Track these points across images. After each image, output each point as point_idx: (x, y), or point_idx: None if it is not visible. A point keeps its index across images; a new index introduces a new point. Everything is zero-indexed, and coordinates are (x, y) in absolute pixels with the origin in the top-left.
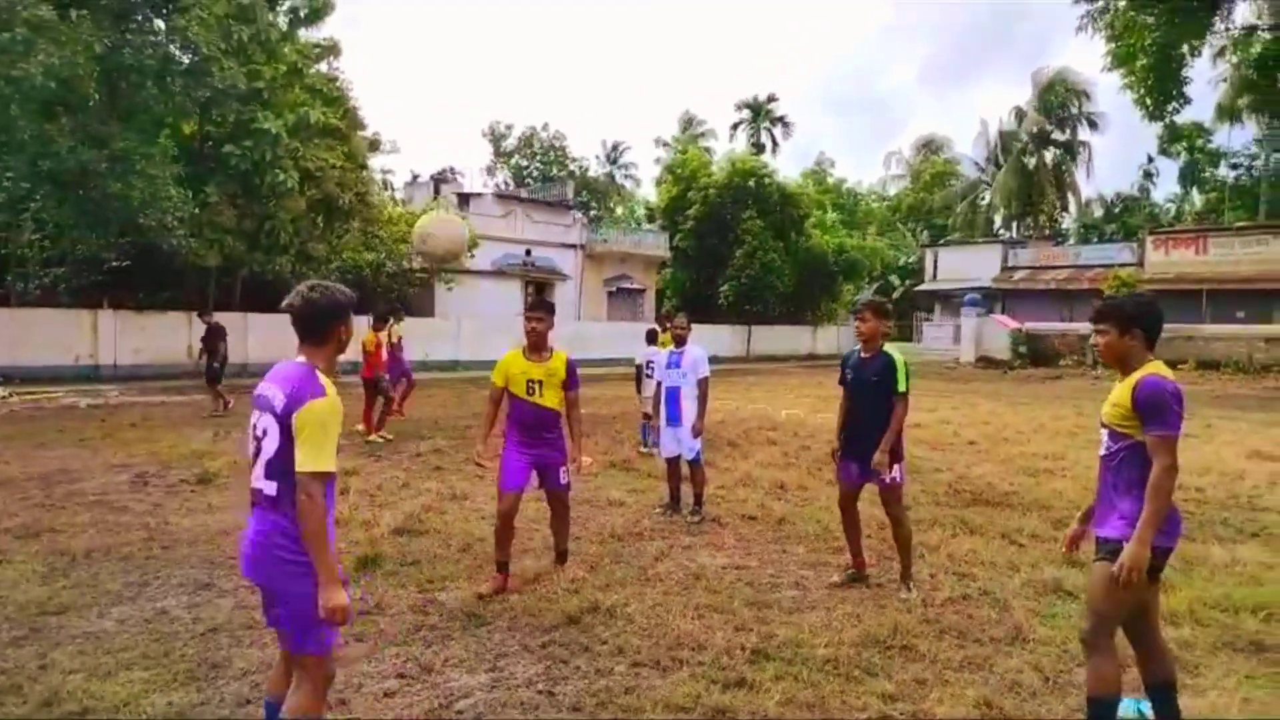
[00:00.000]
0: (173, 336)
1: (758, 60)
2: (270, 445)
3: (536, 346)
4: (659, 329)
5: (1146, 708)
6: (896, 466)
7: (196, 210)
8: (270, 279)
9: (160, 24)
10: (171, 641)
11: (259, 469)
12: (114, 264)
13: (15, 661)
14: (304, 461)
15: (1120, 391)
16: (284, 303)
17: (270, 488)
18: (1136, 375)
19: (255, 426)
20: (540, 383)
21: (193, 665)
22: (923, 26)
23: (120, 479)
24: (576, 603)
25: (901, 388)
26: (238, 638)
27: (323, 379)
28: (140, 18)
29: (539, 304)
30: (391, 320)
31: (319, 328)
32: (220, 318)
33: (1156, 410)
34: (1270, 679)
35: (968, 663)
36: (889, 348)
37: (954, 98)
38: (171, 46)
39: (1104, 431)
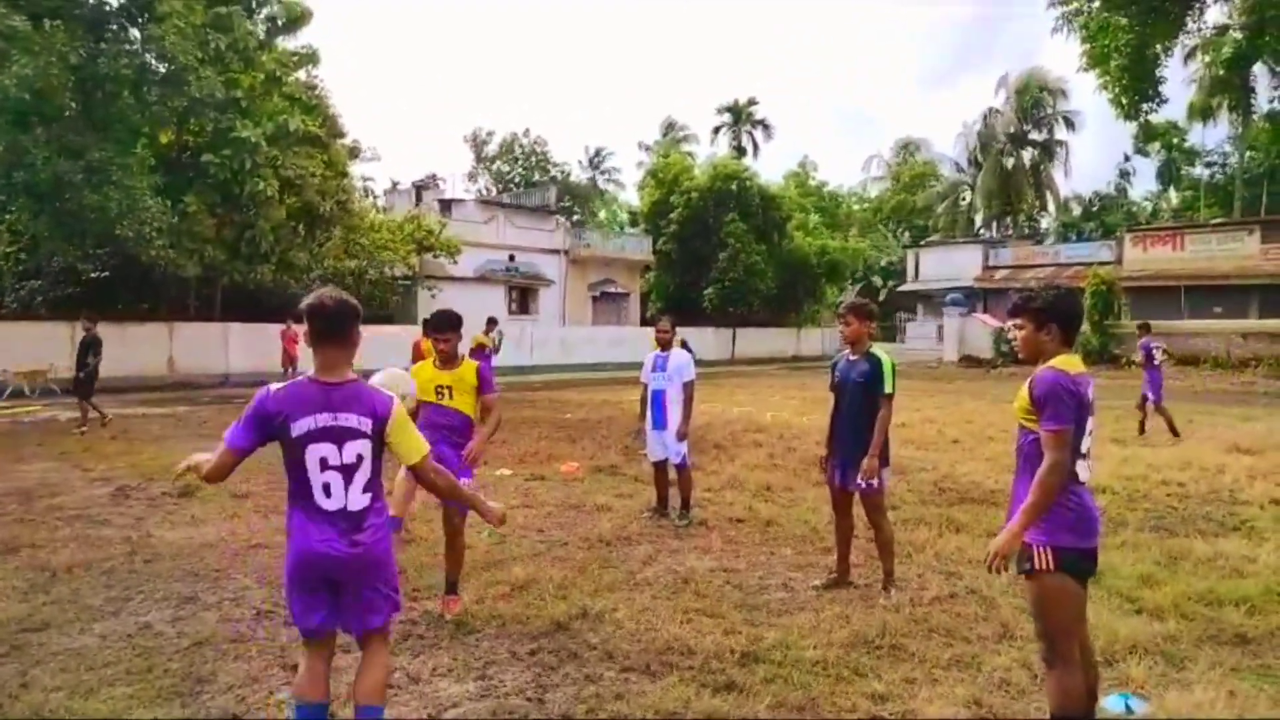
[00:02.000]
0: (152, 348)
1: (738, 64)
2: (368, 466)
3: (447, 363)
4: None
5: (1135, 703)
6: (881, 469)
7: (175, 220)
8: (251, 288)
9: (136, 33)
10: (155, 656)
11: (356, 490)
12: (92, 275)
13: None
14: (416, 452)
15: (1024, 385)
16: (308, 303)
17: (366, 500)
18: (1038, 369)
19: (330, 459)
20: (449, 388)
21: (177, 680)
22: (907, 30)
23: (101, 492)
24: (565, 608)
25: (888, 389)
26: (223, 651)
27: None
28: (115, 27)
29: (445, 323)
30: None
31: (344, 329)
32: (201, 328)
33: (1048, 403)
34: (1255, 671)
35: (956, 661)
36: (876, 349)
37: (938, 100)
38: (148, 56)
39: (1016, 427)
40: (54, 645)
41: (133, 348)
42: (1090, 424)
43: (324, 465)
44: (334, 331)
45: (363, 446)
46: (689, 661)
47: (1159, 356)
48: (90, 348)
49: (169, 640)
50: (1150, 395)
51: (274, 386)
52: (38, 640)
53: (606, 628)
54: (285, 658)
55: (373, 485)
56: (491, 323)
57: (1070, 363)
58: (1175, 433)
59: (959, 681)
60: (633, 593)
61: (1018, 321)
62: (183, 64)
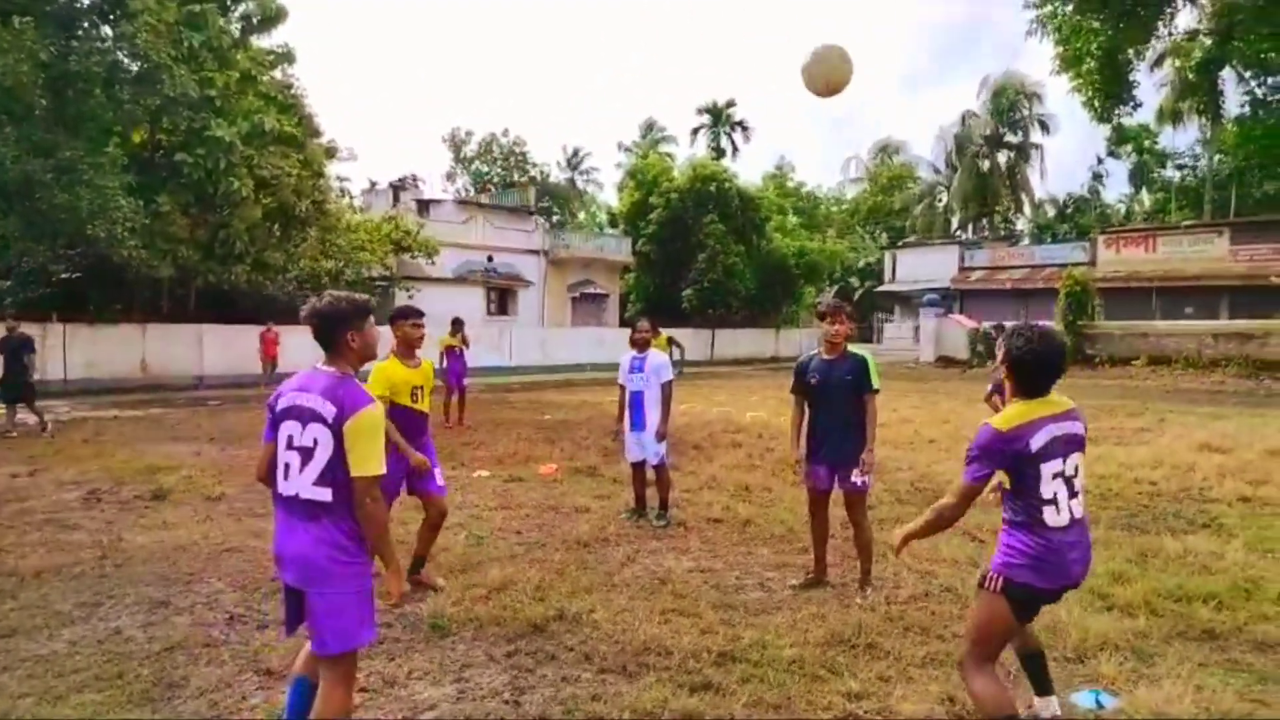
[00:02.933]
0: (125, 349)
1: (718, 65)
2: (323, 454)
3: (413, 352)
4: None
5: (1105, 698)
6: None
7: (148, 220)
8: (226, 289)
9: (107, 31)
10: (126, 662)
11: (308, 477)
12: (63, 276)
13: None
14: (362, 467)
15: None
16: (301, 314)
17: (324, 494)
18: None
19: (295, 437)
20: (421, 388)
21: (148, 686)
22: (890, 30)
23: (71, 496)
24: (542, 610)
25: (876, 385)
26: (195, 656)
27: (363, 387)
28: (86, 25)
29: (414, 310)
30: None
31: (329, 336)
32: (174, 329)
33: (972, 453)
34: (1222, 666)
35: (930, 659)
36: (853, 347)
37: (922, 101)
38: (120, 54)
39: None
40: (22, 651)
41: (105, 349)
42: (1061, 465)
43: (289, 444)
44: (320, 335)
45: (320, 432)
46: (666, 662)
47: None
48: (22, 348)
49: (140, 645)
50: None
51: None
52: (5, 647)
53: (584, 629)
54: (259, 662)
55: (330, 482)
56: (457, 324)
57: (1015, 415)
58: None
59: (933, 679)
60: (610, 594)
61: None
62: (155, 62)
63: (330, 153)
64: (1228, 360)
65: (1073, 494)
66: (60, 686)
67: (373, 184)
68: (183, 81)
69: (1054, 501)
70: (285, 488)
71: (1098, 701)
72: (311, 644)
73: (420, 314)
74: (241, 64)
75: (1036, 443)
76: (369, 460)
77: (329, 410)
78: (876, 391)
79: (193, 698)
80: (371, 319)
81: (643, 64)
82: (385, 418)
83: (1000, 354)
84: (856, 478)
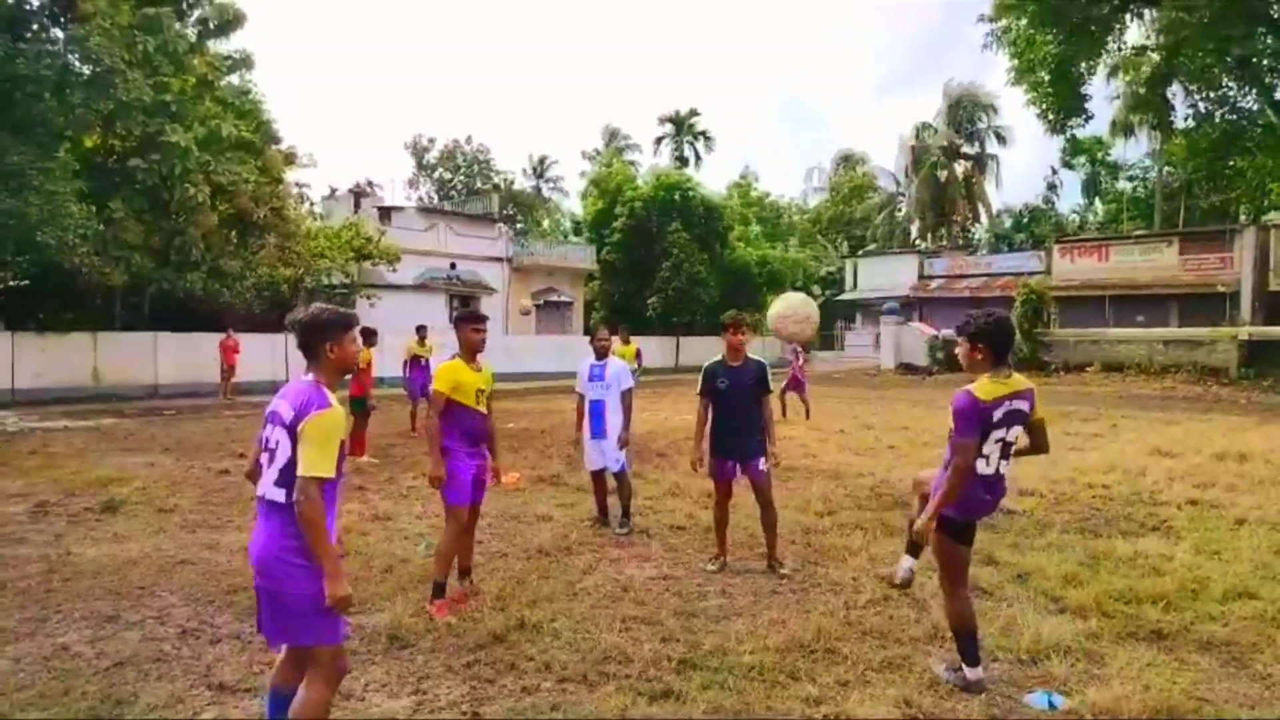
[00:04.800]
0: (76, 359)
1: (682, 73)
2: (282, 456)
3: (475, 355)
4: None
5: (1057, 699)
6: (765, 459)
7: (100, 227)
8: (181, 297)
9: (58, 33)
10: (73, 679)
11: (269, 478)
12: (11, 284)
13: None
14: (305, 467)
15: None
16: (287, 321)
17: (280, 495)
18: (960, 389)
19: (267, 440)
20: (484, 391)
21: (95, 703)
22: (860, 39)
23: (18, 509)
24: (502, 620)
25: (770, 387)
26: (144, 671)
27: (327, 393)
28: (36, 27)
29: (480, 315)
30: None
31: (307, 346)
32: (128, 338)
33: (956, 418)
34: (1170, 666)
35: (888, 663)
36: (751, 354)
37: (886, 111)
38: (71, 57)
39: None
40: None
41: (55, 358)
42: (1004, 433)
43: (265, 445)
44: (301, 344)
45: (280, 435)
46: (627, 670)
47: (802, 359)
48: None
49: (87, 661)
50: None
51: None
52: None
53: (544, 638)
54: (210, 676)
55: (286, 483)
56: (422, 331)
57: (987, 388)
58: (808, 415)
59: (890, 683)
60: (572, 603)
61: (959, 340)
62: (108, 66)
63: (289, 159)
64: (1177, 366)
65: (1004, 455)
66: (3, 705)
67: (333, 190)
68: (137, 86)
69: (987, 457)
70: (259, 487)
71: (1050, 703)
72: (263, 632)
73: (483, 318)
74: (198, 69)
75: (998, 414)
76: (317, 462)
77: (289, 414)
78: (770, 392)
79: (142, 715)
80: (353, 332)
81: (607, 72)
82: (435, 418)
83: (962, 343)
84: (763, 465)
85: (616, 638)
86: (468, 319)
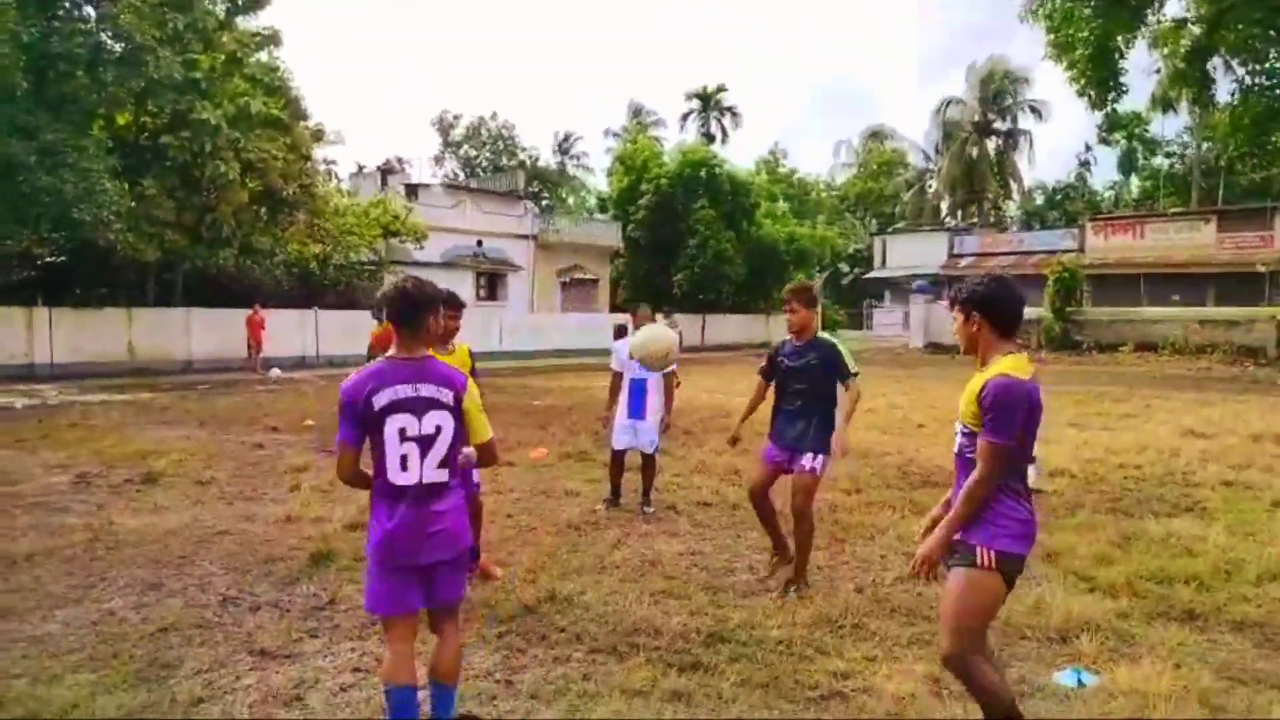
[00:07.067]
0: (112, 334)
1: (709, 47)
2: (447, 437)
3: (445, 340)
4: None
5: (1086, 676)
6: (820, 456)
7: (133, 204)
8: (213, 273)
9: (90, 12)
10: (120, 643)
11: (431, 463)
12: (49, 260)
13: None
14: (484, 432)
15: (972, 387)
16: (389, 288)
17: (444, 476)
18: (989, 372)
19: (410, 429)
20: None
21: (142, 666)
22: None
23: (60, 480)
24: (533, 592)
25: (854, 369)
26: (188, 636)
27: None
28: (69, 5)
29: (454, 299)
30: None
31: (414, 317)
32: (161, 313)
33: (997, 412)
34: (1201, 646)
35: (916, 639)
36: (823, 333)
37: (919, 89)
38: (103, 35)
39: (958, 426)
40: (15, 633)
41: (91, 333)
42: (1037, 427)
43: (402, 436)
44: (404, 315)
45: (441, 417)
46: (656, 642)
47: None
48: None
49: (133, 626)
50: None
51: (351, 375)
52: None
53: (575, 610)
54: (251, 642)
55: (449, 461)
56: (379, 312)
57: (1021, 365)
58: None
59: (919, 659)
60: (601, 576)
61: (954, 314)
62: (140, 44)
63: (317, 136)
64: (1213, 346)
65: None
66: (56, 667)
67: (360, 167)
68: (167, 64)
69: (1033, 461)
70: (404, 478)
71: (1079, 680)
72: (432, 604)
73: (460, 304)
74: (227, 46)
75: (1039, 397)
76: (485, 426)
77: (446, 394)
78: (855, 375)
79: (187, 678)
80: (442, 309)
81: (633, 47)
82: None
83: (956, 316)
84: (807, 463)
85: (646, 610)
86: (445, 303)
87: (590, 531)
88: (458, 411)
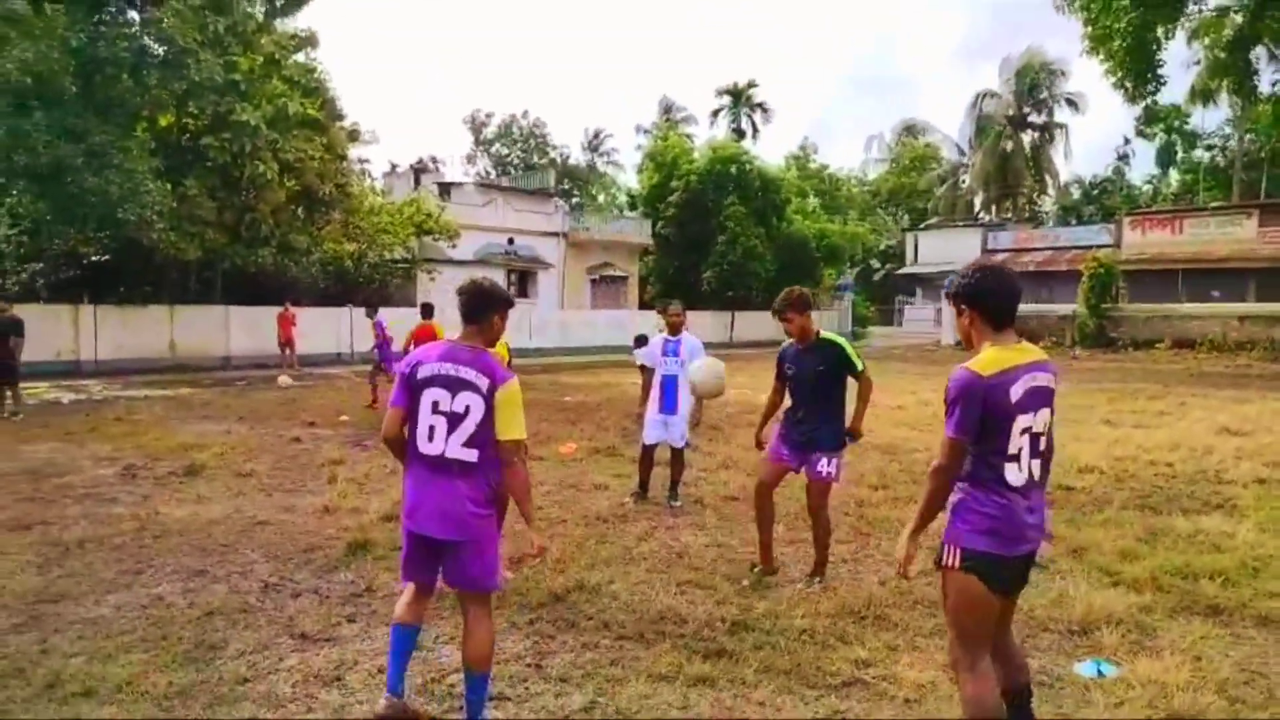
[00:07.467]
0: (154, 331)
1: (740, 43)
2: (475, 419)
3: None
4: (657, 326)
5: (1107, 668)
6: (834, 460)
7: (175, 204)
8: (252, 271)
9: (135, 16)
10: (168, 625)
11: (457, 439)
12: (93, 259)
13: (16, 647)
14: (513, 431)
15: None
16: (463, 283)
17: (472, 456)
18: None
19: (442, 403)
20: None
21: (190, 647)
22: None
23: (108, 472)
24: (562, 581)
25: (860, 366)
26: (233, 620)
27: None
28: (114, 10)
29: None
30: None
31: (481, 311)
32: (202, 311)
33: (952, 405)
34: (1224, 640)
35: (938, 630)
36: (826, 333)
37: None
38: (146, 38)
39: None
40: (70, 615)
41: (134, 330)
42: (1028, 421)
43: (434, 409)
44: (472, 308)
45: (472, 400)
46: (681, 630)
47: (390, 333)
48: (11, 330)
49: (180, 610)
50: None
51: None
52: (54, 610)
53: (602, 599)
54: (293, 626)
55: (477, 443)
56: (428, 309)
57: (994, 359)
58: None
59: (940, 649)
60: (628, 566)
61: (955, 307)
62: (181, 47)
63: (353, 136)
64: (1253, 343)
65: (1035, 453)
66: (109, 647)
67: (394, 166)
68: (208, 66)
69: (1017, 458)
70: (429, 448)
71: (1099, 670)
72: (449, 583)
73: (510, 303)
74: (266, 48)
75: (1015, 393)
76: (514, 426)
77: (482, 381)
78: (864, 372)
79: (232, 659)
80: (508, 312)
81: (665, 44)
82: None
83: (953, 306)
84: (822, 468)
85: (672, 600)
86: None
87: (618, 524)
88: (490, 400)
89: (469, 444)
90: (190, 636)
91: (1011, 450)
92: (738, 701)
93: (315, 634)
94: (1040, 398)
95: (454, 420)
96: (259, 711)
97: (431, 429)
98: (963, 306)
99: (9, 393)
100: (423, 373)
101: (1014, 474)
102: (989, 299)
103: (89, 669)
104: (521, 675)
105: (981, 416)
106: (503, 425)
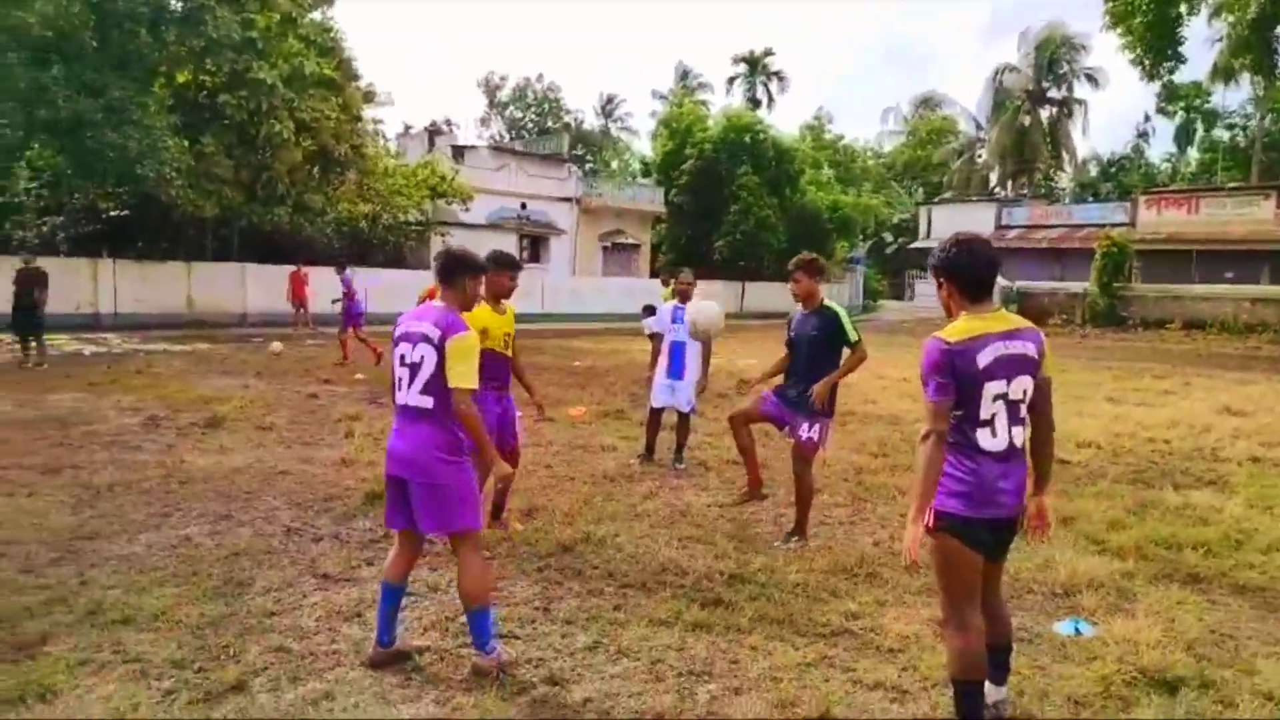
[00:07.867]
0: (172, 286)
1: (757, 12)
2: (427, 369)
3: (498, 300)
4: (661, 294)
5: (1084, 626)
6: (816, 425)
7: (193, 161)
8: (267, 230)
9: None
10: (198, 563)
11: (415, 388)
12: (112, 214)
13: (57, 579)
14: (457, 379)
15: None
16: (433, 255)
17: (428, 402)
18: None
19: (407, 355)
20: (510, 335)
21: (219, 583)
22: None
23: (132, 421)
24: (570, 533)
25: (853, 337)
26: (258, 560)
27: (463, 319)
28: None
29: (517, 262)
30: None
31: (452, 274)
32: (218, 268)
33: (925, 374)
34: (1199, 605)
35: (925, 589)
36: (828, 302)
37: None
38: None
39: None
40: (105, 552)
41: (152, 285)
42: (1000, 388)
43: (401, 361)
44: (445, 271)
45: (426, 350)
46: (681, 580)
47: (357, 289)
48: (35, 282)
49: (208, 550)
50: (349, 324)
51: None
52: (90, 547)
53: (608, 551)
54: (315, 567)
55: (432, 391)
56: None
57: (964, 328)
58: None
59: (926, 605)
60: (633, 522)
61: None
62: (199, 2)
63: (368, 97)
64: (1264, 326)
65: (1015, 420)
66: (143, 581)
67: (407, 128)
68: (225, 23)
69: (990, 424)
70: (400, 397)
71: (1076, 629)
72: (420, 527)
73: (519, 266)
74: (282, 6)
75: (983, 359)
76: (465, 375)
77: (434, 333)
78: (857, 343)
79: (259, 594)
80: (484, 277)
81: (683, 8)
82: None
83: (933, 279)
84: (804, 433)
85: (673, 553)
86: (507, 264)
87: (624, 483)
88: (441, 350)
89: (424, 391)
90: (219, 574)
91: (984, 416)
92: (731, 645)
93: (336, 575)
94: (1014, 365)
95: (414, 370)
96: (286, 641)
97: (399, 380)
98: (941, 279)
99: (34, 343)
100: (398, 330)
101: (987, 439)
102: (965, 271)
103: (126, 599)
104: (530, 617)
105: (953, 382)
106: (451, 374)
